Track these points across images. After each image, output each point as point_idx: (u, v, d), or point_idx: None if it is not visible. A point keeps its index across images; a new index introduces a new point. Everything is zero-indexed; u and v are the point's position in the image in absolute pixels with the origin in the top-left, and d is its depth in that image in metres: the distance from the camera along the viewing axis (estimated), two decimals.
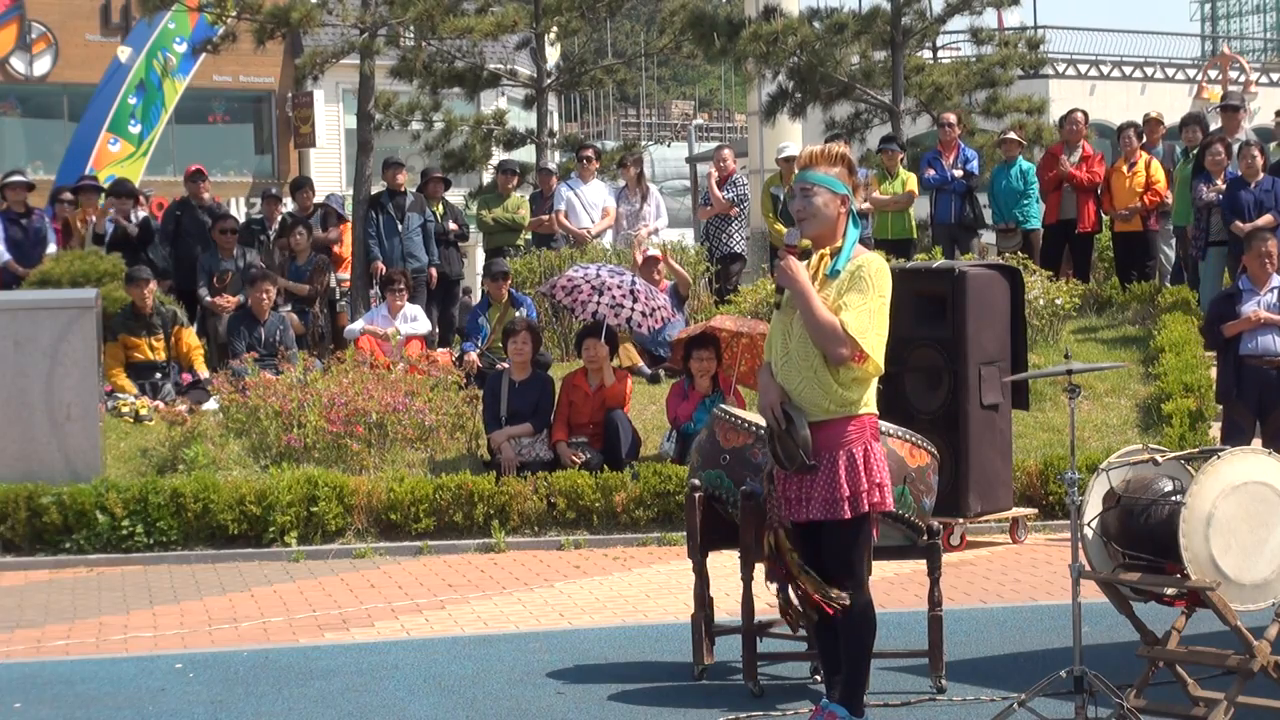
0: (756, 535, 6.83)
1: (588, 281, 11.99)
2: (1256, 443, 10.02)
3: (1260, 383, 10.27)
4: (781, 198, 15.80)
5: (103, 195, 14.93)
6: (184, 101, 23.16)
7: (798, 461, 5.74)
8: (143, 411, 12.29)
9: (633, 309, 11.98)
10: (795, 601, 6.13)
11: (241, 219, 15.48)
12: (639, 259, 13.85)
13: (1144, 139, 15.67)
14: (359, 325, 13.85)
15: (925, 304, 10.45)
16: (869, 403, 5.82)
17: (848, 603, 5.83)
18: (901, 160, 16.05)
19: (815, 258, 5.85)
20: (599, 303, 11.93)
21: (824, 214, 5.80)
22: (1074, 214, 15.45)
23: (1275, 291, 10.20)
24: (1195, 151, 14.65)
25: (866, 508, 5.77)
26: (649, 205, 16.04)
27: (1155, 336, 13.70)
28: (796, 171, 5.94)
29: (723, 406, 7.45)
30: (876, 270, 5.75)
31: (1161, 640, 6.38)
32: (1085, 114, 16.07)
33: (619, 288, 11.93)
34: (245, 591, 9.59)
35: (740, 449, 6.94)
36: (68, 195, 15.08)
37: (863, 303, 5.68)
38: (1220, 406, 11.08)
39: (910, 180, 15.84)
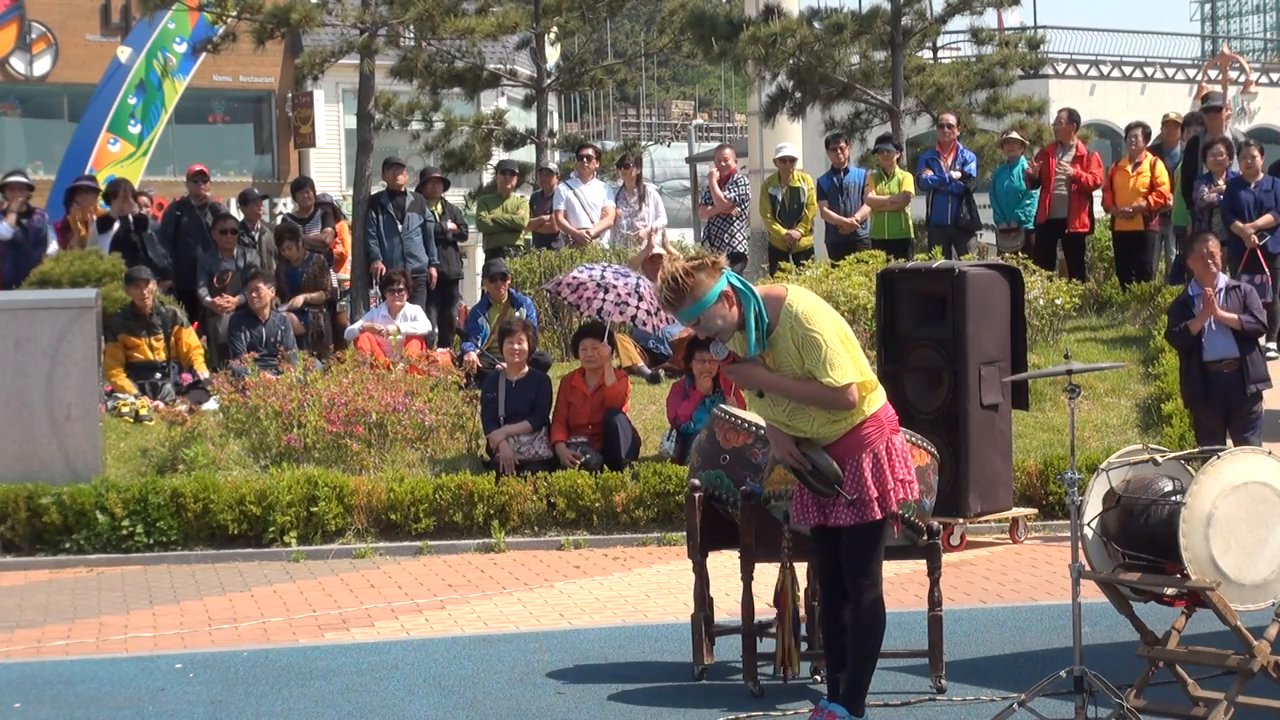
0: (757, 535, 6.86)
1: (593, 280, 12.00)
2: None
3: (1224, 386, 10.35)
4: (779, 198, 15.83)
5: (100, 197, 14.91)
6: (184, 101, 23.15)
7: (835, 490, 5.87)
8: (143, 411, 12.29)
9: (638, 307, 11.98)
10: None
11: (241, 219, 15.47)
12: (653, 250, 13.86)
13: (1150, 140, 15.65)
14: (359, 325, 13.84)
15: (925, 304, 10.46)
16: (876, 399, 5.92)
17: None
18: (898, 160, 16.05)
19: (735, 344, 5.90)
20: (604, 300, 11.93)
21: (726, 324, 5.82)
22: (1064, 214, 15.42)
23: (1223, 292, 10.25)
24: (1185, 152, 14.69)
25: (895, 506, 5.89)
26: (647, 205, 16.04)
27: (1155, 336, 13.69)
28: (674, 316, 5.95)
29: (723, 406, 7.44)
30: (805, 314, 5.76)
31: (1161, 640, 6.38)
32: (1068, 112, 16.08)
33: (624, 288, 11.93)
34: (245, 591, 9.59)
35: (740, 449, 6.95)
36: (79, 199, 15.06)
37: (824, 353, 5.73)
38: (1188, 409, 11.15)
39: (907, 180, 15.84)
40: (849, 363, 5.76)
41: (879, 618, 5.95)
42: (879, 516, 5.85)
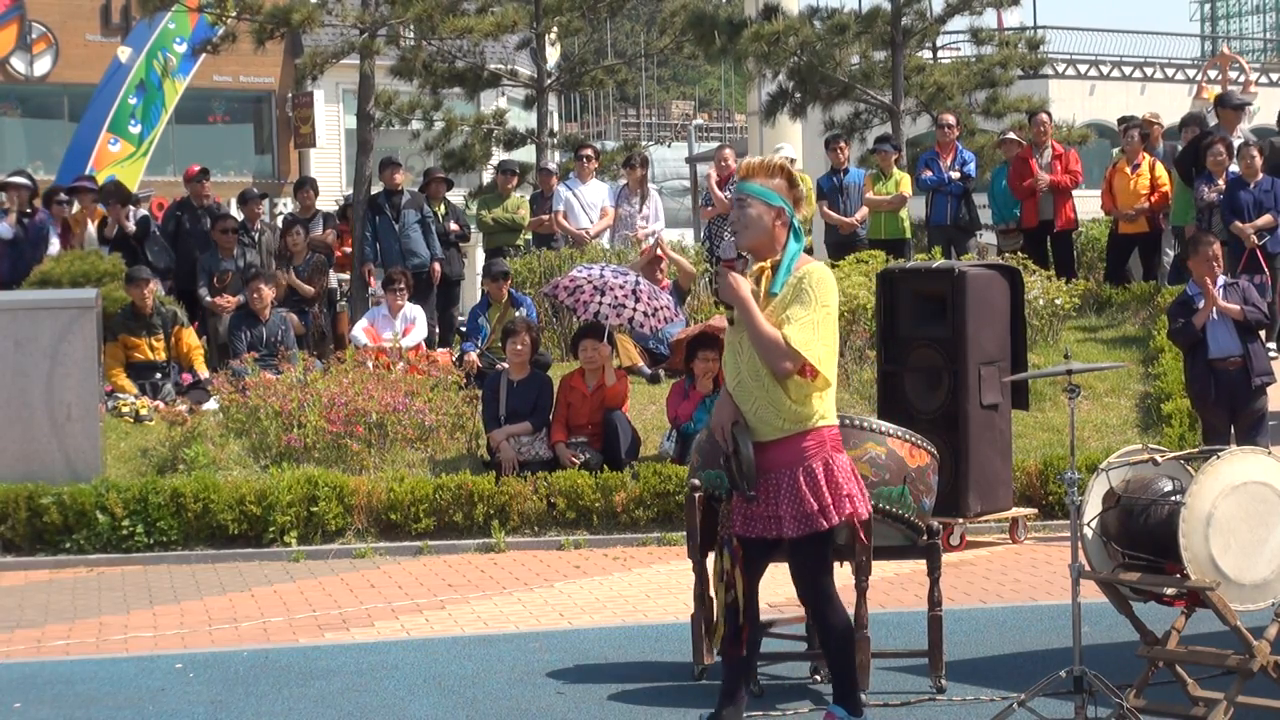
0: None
1: (590, 282, 11.99)
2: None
3: (1231, 384, 10.37)
4: None
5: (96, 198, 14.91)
6: (184, 101, 23.13)
7: (740, 486, 5.72)
8: (143, 411, 12.29)
9: (635, 309, 11.98)
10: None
11: (241, 219, 15.51)
12: (653, 254, 13.87)
13: (1147, 140, 15.61)
14: (360, 332, 13.79)
15: (925, 304, 10.46)
16: (826, 415, 5.76)
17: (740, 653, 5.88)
18: (896, 160, 16.04)
19: (755, 269, 5.80)
20: (601, 303, 11.93)
21: (757, 225, 5.75)
22: (1051, 215, 15.39)
23: (1223, 289, 10.29)
24: (1180, 150, 14.66)
25: (838, 519, 5.73)
26: (648, 207, 16.04)
27: (1155, 336, 13.69)
28: (736, 183, 5.91)
29: None
30: (818, 280, 5.68)
31: (1161, 640, 6.38)
32: (1049, 114, 16.07)
33: (621, 288, 11.93)
34: (245, 591, 9.59)
35: None
36: (63, 195, 15.08)
37: (805, 315, 5.63)
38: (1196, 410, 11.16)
39: (904, 181, 15.83)
40: (816, 340, 5.62)
41: (843, 631, 5.85)
42: (823, 527, 5.69)
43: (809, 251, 5.92)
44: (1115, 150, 17.09)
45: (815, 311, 5.64)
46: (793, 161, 15.93)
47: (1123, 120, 16.35)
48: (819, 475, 5.69)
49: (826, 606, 5.84)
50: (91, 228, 14.51)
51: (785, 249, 5.77)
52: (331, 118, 32.43)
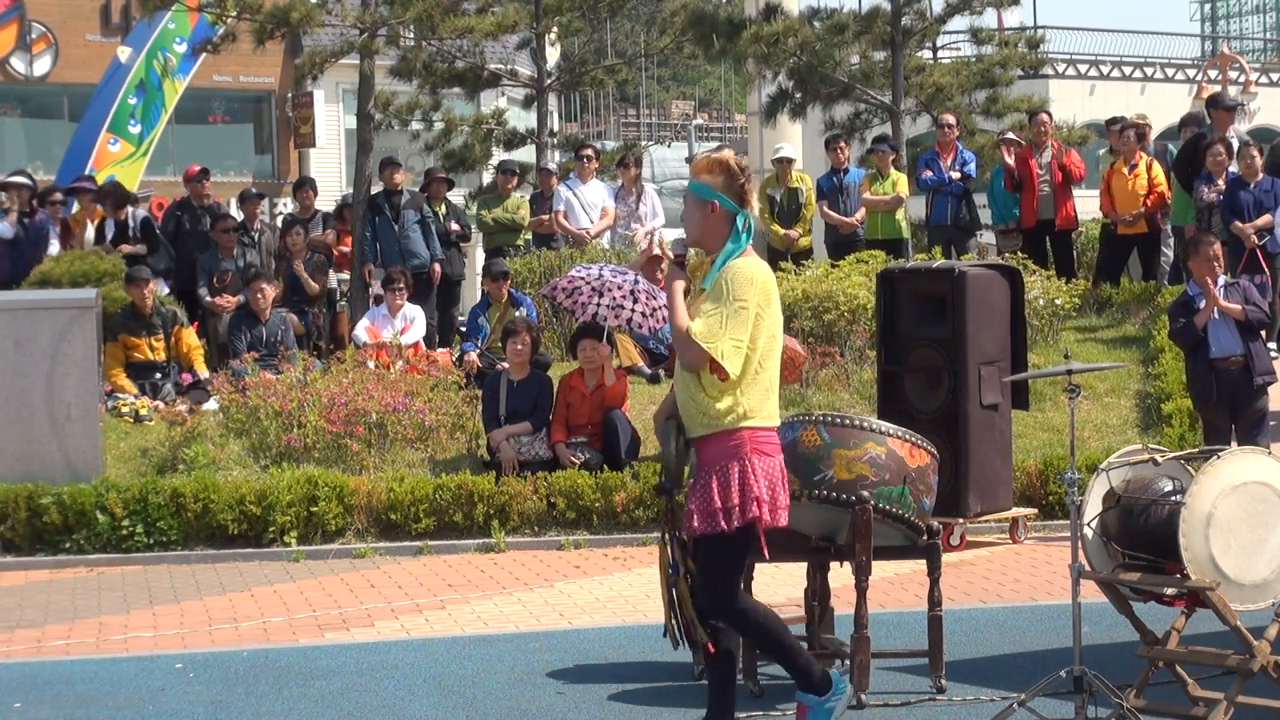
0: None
1: (588, 283, 11.98)
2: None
3: (1232, 384, 10.39)
4: (777, 199, 15.84)
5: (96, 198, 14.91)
6: (184, 101, 23.11)
7: (663, 478, 5.75)
8: (143, 411, 12.30)
9: (633, 310, 11.96)
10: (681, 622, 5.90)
11: (240, 219, 15.52)
12: (652, 252, 13.86)
13: (1143, 139, 15.60)
14: (362, 330, 13.79)
15: (925, 304, 10.46)
16: (751, 415, 5.63)
17: (710, 647, 5.75)
18: (894, 161, 16.03)
19: (694, 263, 5.83)
20: (599, 304, 11.92)
21: (691, 220, 5.79)
22: (1051, 214, 15.37)
23: (1223, 289, 10.31)
24: (1178, 151, 14.66)
25: (740, 522, 5.57)
26: (644, 205, 16.05)
27: (1155, 336, 13.70)
28: (690, 176, 5.95)
29: None
30: (735, 276, 5.63)
31: (1161, 640, 6.38)
32: (1050, 114, 16.06)
33: (620, 289, 11.92)
34: (245, 591, 9.59)
35: None
36: (58, 195, 15.08)
37: (715, 309, 5.59)
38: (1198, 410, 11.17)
39: (901, 181, 15.83)
40: (724, 334, 5.54)
41: (759, 624, 5.75)
42: (724, 528, 5.56)
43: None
44: (1103, 151, 17.05)
45: (726, 306, 5.59)
46: (791, 162, 16.08)
47: (1113, 121, 16.33)
48: (732, 476, 5.59)
49: (734, 616, 5.71)
50: (91, 228, 14.50)
51: (724, 245, 5.75)
52: (331, 118, 32.41)
